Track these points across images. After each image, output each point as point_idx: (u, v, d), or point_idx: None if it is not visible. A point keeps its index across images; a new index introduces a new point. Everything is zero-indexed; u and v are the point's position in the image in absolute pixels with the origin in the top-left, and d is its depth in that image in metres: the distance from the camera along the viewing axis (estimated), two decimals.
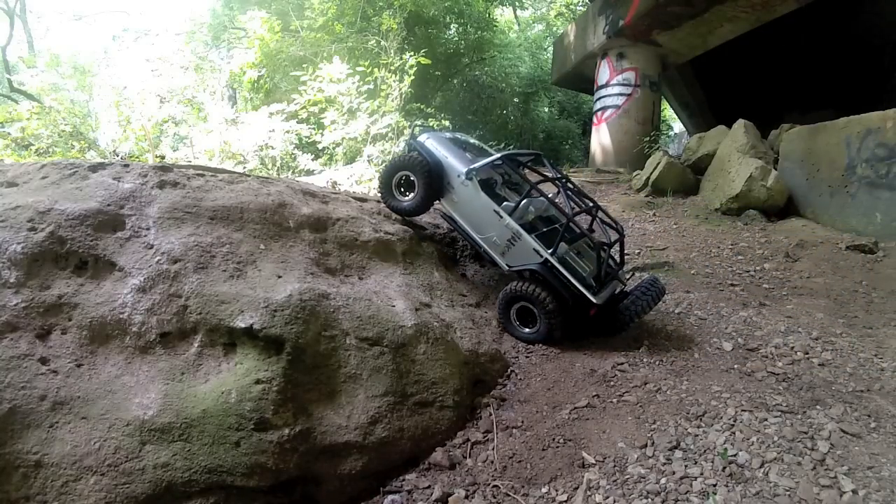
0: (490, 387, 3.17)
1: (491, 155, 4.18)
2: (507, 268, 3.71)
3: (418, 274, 3.81)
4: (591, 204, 4.02)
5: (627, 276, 4.09)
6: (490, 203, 3.74)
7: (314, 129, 8.24)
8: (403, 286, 3.46)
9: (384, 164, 4.39)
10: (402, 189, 4.14)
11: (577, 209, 3.86)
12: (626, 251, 4.02)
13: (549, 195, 3.91)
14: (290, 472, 2.23)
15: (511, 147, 12.36)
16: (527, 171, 4.40)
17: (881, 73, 12.87)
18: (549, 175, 4.03)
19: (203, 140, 7.91)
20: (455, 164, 3.96)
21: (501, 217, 3.67)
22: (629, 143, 11.54)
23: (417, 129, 4.95)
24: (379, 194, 4.36)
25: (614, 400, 2.90)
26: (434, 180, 3.96)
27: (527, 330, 3.63)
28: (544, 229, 3.99)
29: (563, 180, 3.94)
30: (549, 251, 3.48)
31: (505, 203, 3.83)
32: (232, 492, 2.11)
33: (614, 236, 3.99)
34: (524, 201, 3.77)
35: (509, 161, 3.99)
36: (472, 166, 3.85)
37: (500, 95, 16.41)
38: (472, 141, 4.86)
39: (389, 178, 4.16)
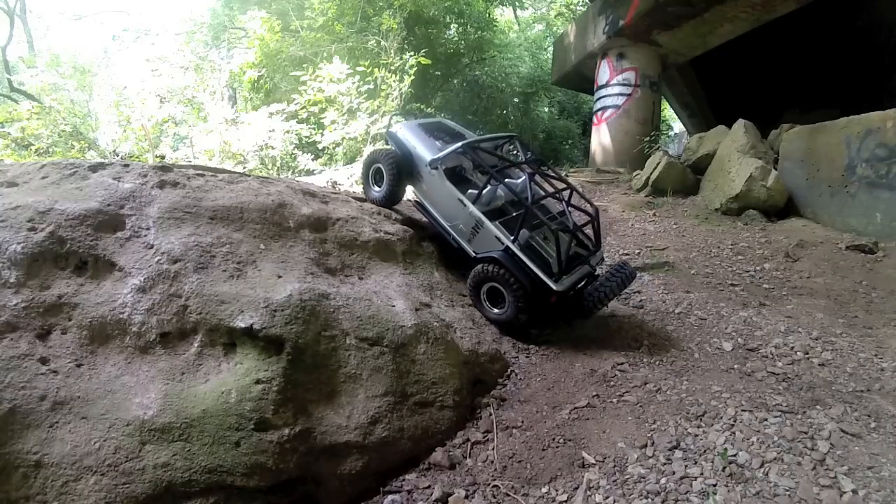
0: (490, 387, 3.17)
1: (467, 139, 4.27)
2: (473, 254, 3.79)
3: (418, 274, 3.81)
4: (563, 186, 4.03)
5: (601, 261, 4.07)
6: (454, 192, 3.82)
7: (314, 129, 8.25)
8: (403, 286, 3.46)
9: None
10: (376, 180, 4.31)
11: (543, 194, 3.88)
12: (601, 232, 4.04)
13: (518, 180, 3.94)
14: (290, 472, 2.23)
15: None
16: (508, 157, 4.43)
17: (882, 73, 12.86)
18: (521, 159, 4.07)
19: (203, 140, 7.91)
20: (422, 153, 4.07)
21: (465, 205, 3.75)
22: (629, 143, 11.54)
23: (394, 119, 5.05)
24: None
25: (614, 400, 2.90)
26: (402, 170, 4.11)
27: (496, 311, 3.65)
28: (514, 213, 3.97)
29: (535, 164, 3.97)
30: (511, 238, 3.52)
31: (469, 191, 3.89)
32: (232, 492, 2.11)
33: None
34: (489, 188, 3.84)
35: (472, 149, 4.00)
36: (436, 156, 3.95)
37: (500, 95, 16.41)
38: (449, 125, 4.89)
39: (367, 170, 4.38)
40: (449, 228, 3.95)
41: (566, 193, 4.04)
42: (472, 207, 3.72)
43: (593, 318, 3.89)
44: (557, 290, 3.37)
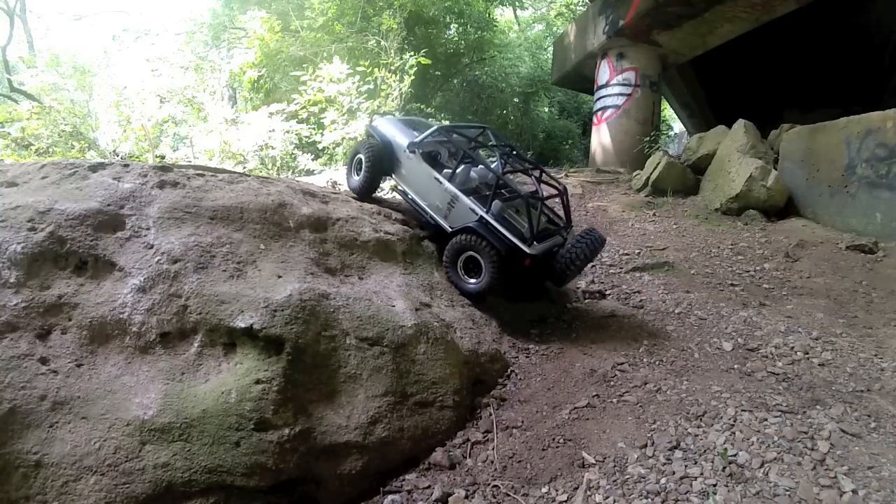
0: (490, 387, 3.17)
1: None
2: (449, 229, 3.93)
3: (418, 274, 3.81)
4: (530, 166, 4.30)
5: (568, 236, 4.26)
6: (431, 171, 4.05)
7: (314, 129, 8.25)
8: (403, 286, 3.46)
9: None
10: (357, 169, 4.51)
11: (512, 169, 4.16)
12: (570, 207, 4.30)
13: (490, 161, 4.21)
14: (290, 472, 2.23)
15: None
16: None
17: (882, 73, 12.86)
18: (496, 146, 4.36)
19: (203, 140, 7.91)
20: (401, 140, 4.30)
21: (441, 182, 3.96)
22: (629, 143, 11.54)
23: (376, 115, 5.24)
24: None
25: (614, 400, 2.90)
26: (381, 158, 4.32)
27: (472, 281, 3.75)
28: (486, 193, 4.13)
29: (506, 148, 4.20)
30: (485, 210, 3.73)
31: (445, 171, 4.11)
32: (232, 492, 2.11)
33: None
34: (462, 167, 4.06)
35: (447, 132, 4.35)
36: (413, 140, 4.21)
37: (500, 95, 16.40)
38: (426, 122, 5.18)
39: (350, 160, 4.60)
40: (426, 207, 4.12)
41: (536, 173, 4.25)
42: (447, 184, 3.92)
43: (593, 317, 3.90)
44: (531, 254, 3.51)
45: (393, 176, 4.44)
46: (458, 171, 4.02)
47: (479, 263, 3.65)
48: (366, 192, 4.54)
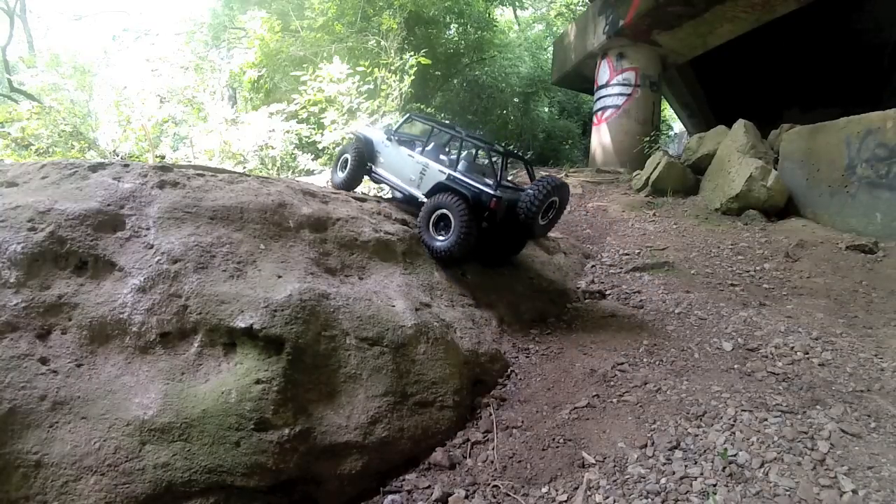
0: (490, 387, 3.17)
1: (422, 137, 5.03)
2: (422, 196, 4.21)
3: (418, 274, 3.81)
4: (497, 146, 4.66)
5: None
6: (405, 151, 4.51)
7: (314, 129, 8.24)
8: (403, 286, 3.46)
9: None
10: (343, 167, 4.95)
11: (475, 138, 4.52)
12: (534, 173, 4.57)
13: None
14: (290, 472, 2.23)
15: (511, 146, 12.75)
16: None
17: (881, 73, 12.86)
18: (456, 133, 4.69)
19: (203, 140, 7.91)
20: (380, 136, 4.82)
21: (412, 156, 4.41)
22: (629, 143, 11.54)
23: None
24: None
25: (614, 400, 2.90)
26: (364, 154, 4.78)
27: (440, 238, 3.93)
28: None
29: (465, 134, 4.53)
30: (452, 169, 4.12)
31: (417, 150, 4.60)
32: (232, 492, 2.11)
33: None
34: (432, 145, 4.59)
35: (417, 117, 5.12)
36: (390, 126, 4.83)
37: (500, 95, 16.39)
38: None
39: (336, 161, 5.06)
40: (402, 184, 4.48)
41: (500, 151, 4.51)
42: (418, 156, 4.38)
43: (593, 317, 3.90)
44: (495, 195, 3.75)
45: (372, 168, 4.85)
46: (428, 147, 4.51)
47: (450, 221, 3.86)
48: (349, 186, 4.92)
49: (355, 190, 5.04)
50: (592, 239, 6.46)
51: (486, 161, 4.45)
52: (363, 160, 4.76)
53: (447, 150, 4.93)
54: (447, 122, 5.67)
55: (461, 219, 3.75)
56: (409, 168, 4.38)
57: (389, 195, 5.53)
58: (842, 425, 2.47)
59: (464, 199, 3.83)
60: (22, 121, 7.61)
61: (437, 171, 4.15)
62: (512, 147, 14.16)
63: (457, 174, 4.03)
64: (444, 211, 3.88)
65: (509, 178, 4.44)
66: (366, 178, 5.04)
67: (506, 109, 16.97)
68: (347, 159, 4.84)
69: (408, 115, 5.03)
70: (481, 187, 3.85)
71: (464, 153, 4.41)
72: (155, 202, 3.02)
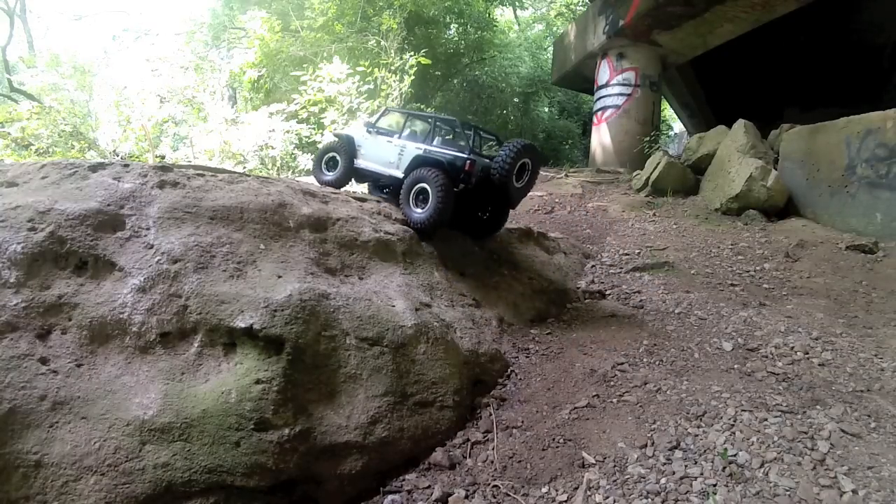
0: (490, 387, 3.17)
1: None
2: (402, 174, 4.38)
3: (418, 274, 3.81)
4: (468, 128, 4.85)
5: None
6: (384, 139, 4.73)
7: (314, 129, 8.25)
8: (403, 286, 3.46)
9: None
10: (329, 166, 5.07)
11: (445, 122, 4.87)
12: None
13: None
14: (290, 472, 2.23)
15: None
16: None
17: (881, 73, 12.87)
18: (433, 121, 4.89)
19: (203, 140, 7.91)
20: (360, 132, 5.01)
21: (391, 141, 4.62)
22: (629, 143, 11.54)
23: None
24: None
25: (614, 400, 2.90)
26: (350, 153, 4.93)
27: (418, 210, 4.08)
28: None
29: (435, 121, 4.80)
30: (427, 144, 4.36)
31: (395, 136, 4.81)
32: (232, 492, 2.11)
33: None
34: (407, 132, 4.79)
35: (391, 110, 5.40)
36: (369, 121, 5.02)
37: (500, 95, 16.40)
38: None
39: (319, 160, 5.19)
40: (383, 169, 4.65)
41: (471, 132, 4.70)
42: (396, 139, 4.60)
43: (593, 317, 3.89)
44: (470, 157, 3.99)
45: (355, 164, 5.01)
46: (404, 133, 4.74)
47: (428, 193, 4.02)
48: (339, 185, 5.00)
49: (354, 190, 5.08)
50: (592, 239, 6.46)
51: (462, 141, 4.66)
52: (352, 159, 4.95)
53: (423, 139, 5.13)
54: (422, 111, 6.02)
55: (438, 188, 3.93)
56: (389, 152, 4.60)
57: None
58: (842, 425, 2.46)
59: (440, 168, 4.05)
60: (22, 121, 7.62)
61: (414, 148, 4.39)
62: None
63: (432, 147, 4.32)
64: (423, 185, 4.05)
65: (485, 154, 4.65)
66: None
67: (506, 109, 16.98)
68: (335, 157, 4.99)
69: (384, 108, 5.35)
70: (456, 153, 4.11)
71: (437, 139, 4.61)
72: (155, 202, 3.02)
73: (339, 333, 2.74)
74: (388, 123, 5.19)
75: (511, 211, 4.86)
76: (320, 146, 5.65)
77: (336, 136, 5.39)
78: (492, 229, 4.80)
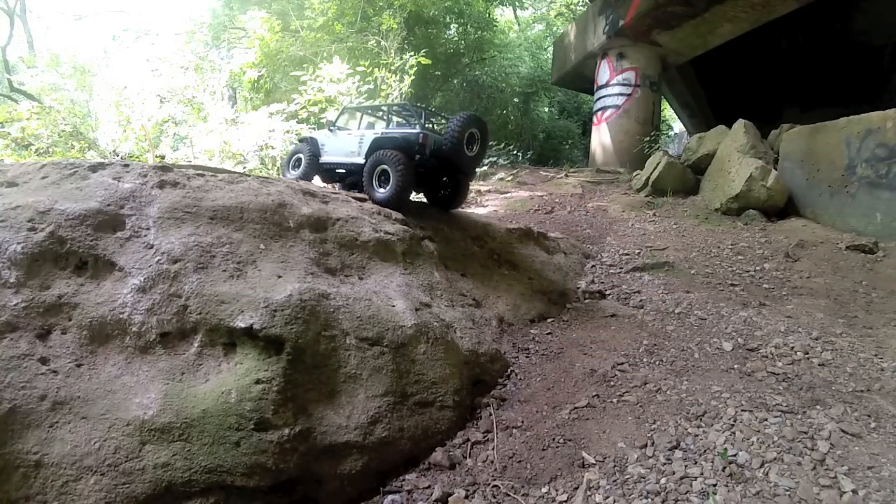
0: (490, 387, 3.17)
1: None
2: (363, 160, 4.60)
3: (418, 274, 3.81)
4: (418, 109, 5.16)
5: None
6: (344, 133, 5.12)
7: (314, 129, 8.24)
8: (403, 286, 3.46)
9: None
10: (295, 165, 5.38)
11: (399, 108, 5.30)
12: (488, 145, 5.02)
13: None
14: (290, 472, 2.23)
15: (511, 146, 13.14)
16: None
17: (881, 73, 12.87)
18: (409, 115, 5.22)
19: (203, 140, 7.91)
20: (322, 132, 5.42)
21: (351, 133, 5.00)
22: (629, 143, 11.55)
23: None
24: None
25: (614, 400, 2.90)
26: (314, 151, 5.26)
27: (381, 190, 4.34)
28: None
29: (389, 108, 5.20)
30: (383, 128, 4.79)
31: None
32: (232, 492, 2.11)
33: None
34: (364, 123, 5.19)
35: (350, 107, 5.80)
36: (330, 121, 5.45)
37: (500, 95, 16.41)
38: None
39: (288, 160, 5.50)
40: (346, 159, 4.95)
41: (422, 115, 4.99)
42: (355, 131, 4.99)
43: (593, 317, 3.89)
44: (422, 132, 4.31)
45: (320, 162, 5.30)
46: (362, 125, 5.12)
47: (389, 173, 4.28)
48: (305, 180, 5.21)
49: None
50: (592, 239, 6.46)
51: (414, 123, 4.93)
52: (316, 157, 5.29)
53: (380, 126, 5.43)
54: (375, 104, 6.61)
55: (397, 167, 4.20)
56: (350, 143, 4.92)
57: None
58: (842, 425, 2.46)
59: (397, 148, 4.34)
60: (22, 121, 7.62)
61: (372, 134, 4.71)
62: (512, 147, 14.23)
63: (388, 130, 4.70)
64: (383, 166, 4.32)
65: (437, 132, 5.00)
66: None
67: (506, 109, 16.98)
68: (300, 158, 5.33)
69: (342, 108, 5.75)
70: (409, 131, 4.46)
71: (392, 124, 4.99)
72: (155, 202, 3.02)
73: (339, 333, 2.74)
74: (347, 120, 5.56)
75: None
76: (288, 151, 6.22)
77: (301, 139, 5.82)
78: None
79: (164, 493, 2.00)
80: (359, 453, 2.42)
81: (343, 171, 5.15)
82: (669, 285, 4.73)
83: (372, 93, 8.44)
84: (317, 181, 6.08)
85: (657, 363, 3.31)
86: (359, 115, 5.39)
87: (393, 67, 9.26)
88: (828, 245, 5.49)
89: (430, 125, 4.98)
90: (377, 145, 4.52)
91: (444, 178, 4.95)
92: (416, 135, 4.34)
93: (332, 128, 5.29)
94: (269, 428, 2.24)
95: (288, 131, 7.88)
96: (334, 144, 5.18)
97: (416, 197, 5.38)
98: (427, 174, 4.66)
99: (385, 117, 5.07)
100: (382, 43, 10.13)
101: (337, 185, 5.60)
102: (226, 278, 2.75)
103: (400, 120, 5.27)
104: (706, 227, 6.59)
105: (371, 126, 5.21)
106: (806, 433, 2.43)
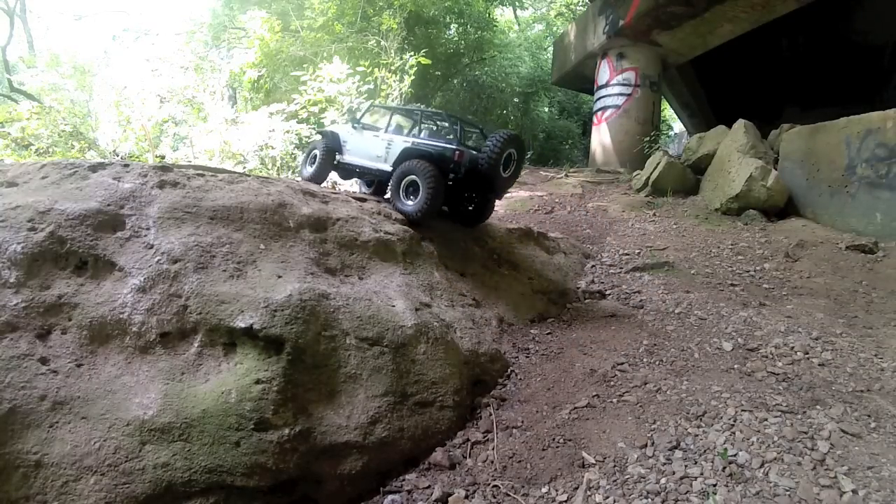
0: (490, 387, 3.17)
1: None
2: (390, 168, 4.43)
3: (418, 274, 3.81)
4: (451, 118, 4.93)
5: None
6: (370, 134, 4.79)
7: (314, 129, 8.24)
8: (403, 286, 3.46)
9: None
10: (312, 162, 5.14)
11: (429, 112, 4.97)
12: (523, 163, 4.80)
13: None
14: (290, 472, 2.23)
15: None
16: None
17: (881, 73, 12.86)
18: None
19: (203, 140, 7.91)
20: (345, 129, 5.09)
21: (377, 135, 4.67)
22: (629, 143, 11.55)
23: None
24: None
25: (614, 400, 2.90)
26: (332, 148, 4.98)
27: (409, 202, 4.15)
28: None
29: (421, 114, 4.91)
30: (414, 137, 4.45)
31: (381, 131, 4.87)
32: (232, 492, 2.11)
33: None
34: (392, 127, 4.87)
35: (375, 106, 5.50)
36: (354, 117, 5.14)
37: (500, 95, 16.40)
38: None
39: (306, 157, 5.30)
40: (369, 163, 4.68)
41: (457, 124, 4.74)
42: (383, 133, 4.67)
43: (593, 317, 3.89)
44: (458, 148, 4.09)
45: (340, 160, 5.04)
46: (390, 128, 4.80)
47: (418, 186, 4.06)
48: (318, 179, 5.05)
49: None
50: (592, 239, 6.46)
51: (449, 133, 4.71)
52: (332, 154, 5.00)
53: (409, 132, 5.16)
54: (407, 106, 6.18)
55: (428, 180, 3.98)
56: (376, 147, 4.63)
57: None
58: (842, 425, 2.46)
59: (429, 159, 4.09)
60: (22, 121, 7.62)
61: (402, 142, 4.41)
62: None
63: (420, 140, 4.37)
64: (413, 177, 4.09)
65: (471, 146, 4.72)
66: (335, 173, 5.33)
67: (506, 109, 16.97)
68: (316, 154, 5.06)
69: (370, 103, 5.45)
70: (444, 144, 4.19)
71: (424, 132, 4.66)
72: (155, 202, 3.02)
73: (339, 333, 2.74)
74: (374, 119, 5.24)
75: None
76: (308, 145, 5.91)
77: (320, 133, 5.45)
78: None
79: (164, 493, 2.00)
80: (359, 453, 2.42)
81: (367, 173, 4.92)
82: (669, 285, 4.73)
83: (372, 93, 8.43)
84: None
85: (657, 363, 3.31)
86: (388, 114, 5.03)
87: (393, 67, 9.26)
88: (828, 245, 5.48)
89: (463, 131, 4.69)
90: (407, 155, 4.25)
91: (471, 194, 4.71)
92: (453, 151, 4.09)
93: (356, 124, 4.95)
94: (269, 428, 2.24)
95: (288, 131, 7.88)
96: (358, 144, 4.86)
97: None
98: (454, 187, 4.34)
99: (416, 122, 4.73)
100: (382, 43, 10.14)
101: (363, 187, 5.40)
102: (226, 278, 2.75)
103: (431, 125, 4.96)
104: (706, 227, 6.59)
105: (400, 130, 4.90)
106: (806, 433, 2.43)
